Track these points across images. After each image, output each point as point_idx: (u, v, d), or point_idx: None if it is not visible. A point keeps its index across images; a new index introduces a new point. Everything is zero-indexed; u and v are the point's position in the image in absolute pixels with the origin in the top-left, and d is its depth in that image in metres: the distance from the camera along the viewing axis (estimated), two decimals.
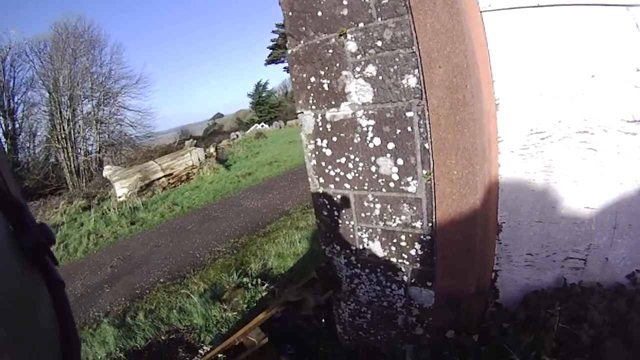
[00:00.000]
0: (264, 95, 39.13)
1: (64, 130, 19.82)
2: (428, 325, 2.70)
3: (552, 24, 2.14)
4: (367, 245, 2.77)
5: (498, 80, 2.33)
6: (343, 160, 2.65)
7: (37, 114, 20.68)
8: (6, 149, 19.05)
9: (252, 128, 27.34)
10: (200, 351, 4.13)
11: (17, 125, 20.26)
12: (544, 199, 2.40)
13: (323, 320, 3.61)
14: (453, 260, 2.39)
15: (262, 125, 28.26)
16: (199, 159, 15.10)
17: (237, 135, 25.12)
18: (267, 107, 37.94)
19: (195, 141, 20.06)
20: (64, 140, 19.74)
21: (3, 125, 19.73)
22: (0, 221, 0.39)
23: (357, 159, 2.58)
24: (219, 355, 3.05)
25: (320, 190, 2.87)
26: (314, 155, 2.81)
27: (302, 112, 2.78)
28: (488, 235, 2.49)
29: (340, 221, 2.85)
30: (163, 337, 4.65)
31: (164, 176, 13.79)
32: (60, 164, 19.82)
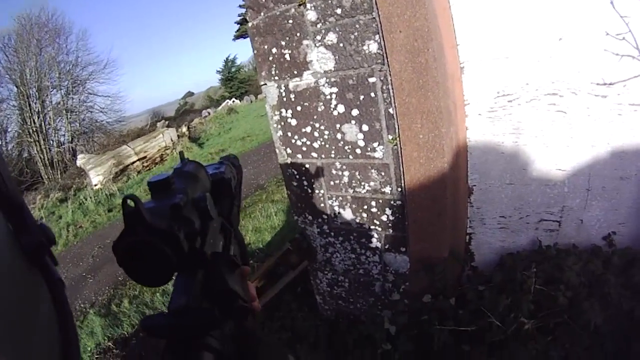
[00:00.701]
0: (233, 70, 38.83)
1: (34, 123, 19.38)
2: (405, 290, 2.73)
3: None
4: (339, 213, 2.78)
5: (463, 43, 2.33)
6: (309, 129, 2.64)
7: (6, 109, 20.19)
8: None
9: (223, 104, 26.94)
10: None
11: None
12: (514, 161, 2.43)
13: (299, 289, 3.65)
14: (424, 225, 2.41)
15: (233, 101, 27.86)
16: (171, 140, 14.96)
17: (209, 113, 24.74)
18: (236, 82, 37.68)
19: (167, 122, 19.87)
20: (35, 133, 19.31)
21: None
22: (0, 221, 0.38)
23: (322, 127, 2.57)
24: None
25: (288, 161, 2.87)
26: (279, 126, 2.79)
27: (266, 84, 2.75)
28: (459, 198, 2.51)
29: (310, 191, 2.86)
30: None
31: (138, 160, 13.65)
32: (34, 157, 19.42)
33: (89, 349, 4.51)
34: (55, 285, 0.44)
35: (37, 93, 19.96)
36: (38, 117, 19.65)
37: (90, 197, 11.07)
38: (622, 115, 2.13)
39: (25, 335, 0.36)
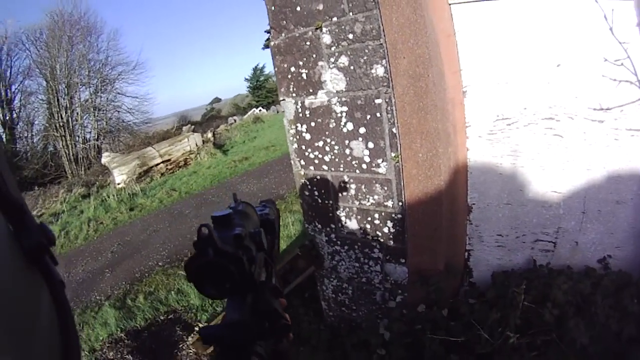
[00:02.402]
0: (261, 79, 38.31)
1: (61, 118, 19.55)
2: (403, 300, 2.88)
3: (519, 14, 2.26)
4: (345, 223, 2.94)
5: (465, 69, 2.46)
6: (321, 143, 2.83)
7: (34, 102, 20.36)
8: (4, 139, 18.99)
9: (249, 112, 27.09)
10: (196, 329, 4.30)
11: (14, 115, 20.08)
12: (511, 182, 2.54)
13: (307, 295, 3.80)
14: (422, 238, 2.56)
15: (260, 110, 27.97)
16: (196, 145, 15.05)
17: (235, 120, 24.90)
18: (264, 91, 37.13)
19: (192, 127, 19.94)
20: (62, 128, 19.48)
21: (1, 115, 19.56)
22: (0, 221, 0.38)
23: (333, 143, 2.76)
24: None
25: (302, 172, 3.05)
26: (295, 140, 2.98)
27: (284, 100, 2.95)
28: (458, 216, 2.64)
29: (320, 200, 3.03)
30: (162, 317, 4.82)
31: (162, 162, 13.77)
32: (59, 152, 19.59)
33: (101, 338, 4.67)
34: (55, 285, 0.44)
35: (65, 89, 20.12)
36: (65, 113, 19.78)
37: (113, 195, 11.25)
38: (618, 140, 2.21)
39: (26, 336, 0.36)
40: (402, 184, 2.51)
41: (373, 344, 2.72)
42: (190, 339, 4.16)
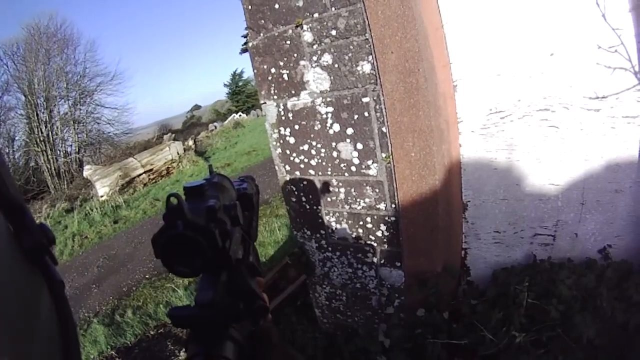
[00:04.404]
0: (240, 84, 38.43)
1: (41, 132, 19.41)
2: (400, 304, 2.78)
3: (509, 2, 2.18)
4: (336, 228, 2.84)
5: (455, 62, 2.39)
6: (306, 147, 2.71)
7: (14, 118, 20.22)
8: None
9: (229, 118, 27.00)
10: None
11: None
12: (507, 177, 2.47)
13: (299, 302, 3.70)
14: (418, 240, 2.46)
15: (240, 115, 27.89)
16: (178, 153, 15.02)
17: (215, 127, 24.86)
18: (243, 96, 37.31)
19: (174, 135, 19.92)
20: (42, 142, 19.34)
21: None
22: (0, 221, 0.38)
23: (319, 145, 2.64)
24: None
25: (287, 178, 2.93)
26: (278, 144, 2.86)
27: (265, 103, 2.83)
28: (453, 215, 2.56)
29: (308, 206, 2.92)
30: (152, 332, 4.72)
31: (144, 172, 13.71)
32: (41, 167, 19.43)
33: (92, 357, 4.55)
34: (55, 285, 0.44)
35: (44, 103, 20.01)
36: (45, 127, 19.69)
37: (96, 208, 11.13)
38: (615, 128, 2.15)
39: (26, 336, 0.36)
40: (395, 185, 2.41)
41: (372, 351, 2.63)
42: (182, 353, 4.05)
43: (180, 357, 4.04)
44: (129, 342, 4.65)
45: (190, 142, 17.34)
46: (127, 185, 13.07)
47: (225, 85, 39.55)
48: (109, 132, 22.83)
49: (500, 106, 2.37)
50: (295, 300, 3.84)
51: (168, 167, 14.41)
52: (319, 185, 2.78)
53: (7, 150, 20.16)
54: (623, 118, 2.12)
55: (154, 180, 13.77)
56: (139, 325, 4.87)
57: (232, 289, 0.64)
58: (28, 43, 20.27)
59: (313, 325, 3.58)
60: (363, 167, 2.50)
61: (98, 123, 22.58)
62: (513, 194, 2.50)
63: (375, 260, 2.75)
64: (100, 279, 6.93)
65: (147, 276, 6.42)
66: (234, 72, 38.66)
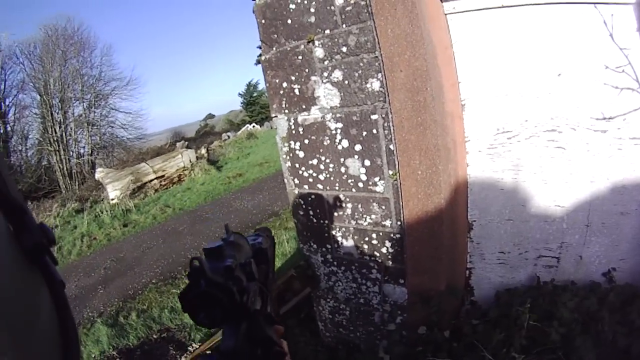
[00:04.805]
0: (254, 95, 38.43)
1: (55, 132, 19.56)
2: (402, 321, 2.77)
3: (517, 23, 2.20)
4: (342, 243, 2.85)
5: (464, 81, 2.40)
6: (315, 161, 2.74)
7: (28, 116, 20.41)
8: None
9: (243, 129, 27.06)
10: (190, 348, 4.21)
11: (8, 129, 20.05)
12: (513, 197, 2.46)
13: (302, 315, 3.71)
14: (422, 258, 2.47)
15: (253, 126, 27.92)
16: (190, 161, 14.96)
17: (229, 136, 24.87)
18: (258, 107, 37.19)
19: (186, 142, 19.88)
20: (55, 143, 19.47)
21: None
22: (0, 221, 0.38)
23: (327, 160, 2.67)
24: None
25: (296, 191, 2.96)
26: (288, 157, 2.89)
27: (277, 116, 2.86)
28: (458, 234, 2.56)
29: (315, 220, 2.93)
30: (155, 336, 4.71)
31: (156, 178, 13.67)
32: (53, 166, 19.55)
33: (93, 356, 4.57)
34: (55, 285, 0.44)
35: (59, 103, 20.17)
36: (59, 127, 19.82)
37: (107, 211, 11.14)
38: (622, 150, 2.14)
39: (26, 336, 0.36)
40: (401, 202, 2.42)
41: None
42: (182, 358, 4.05)
43: None
44: (131, 344, 4.65)
45: (203, 151, 17.27)
46: (138, 190, 13.06)
47: (239, 95, 39.62)
48: (122, 136, 22.98)
49: (507, 126, 2.37)
50: (299, 312, 3.84)
51: (180, 175, 14.35)
52: (326, 199, 2.79)
53: (20, 148, 20.36)
54: (630, 139, 2.11)
55: (165, 187, 13.73)
56: (142, 328, 4.87)
57: (251, 337, 0.71)
58: (45, 44, 20.46)
59: (315, 338, 3.59)
60: (370, 183, 2.52)
61: (112, 127, 22.73)
62: (519, 214, 2.49)
63: (379, 276, 2.75)
64: (106, 280, 6.91)
65: (153, 281, 6.39)
66: (249, 83, 38.76)
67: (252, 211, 9.10)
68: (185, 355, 4.11)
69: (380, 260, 2.70)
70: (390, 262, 2.65)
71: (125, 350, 4.57)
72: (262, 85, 37.25)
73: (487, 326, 2.39)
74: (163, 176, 13.92)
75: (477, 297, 2.77)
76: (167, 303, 5.40)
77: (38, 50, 20.42)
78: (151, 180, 13.55)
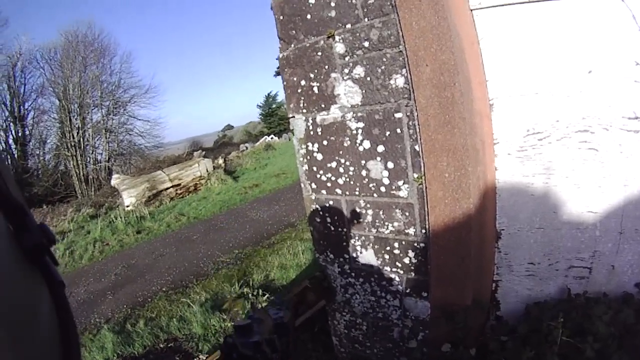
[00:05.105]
0: (273, 107, 38.69)
1: (73, 138, 19.87)
2: (424, 338, 2.58)
3: (545, 19, 2.06)
4: (361, 253, 2.67)
5: (491, 80, 2.24)
6: (334, 164, 2.58)
7: (47, 121, 20.82)
8: (16, 156, 19.40)
9: (261, 140, 27.17)
10: None
11: (27, 132, 20.45)
12: (544, 203, 2.29)
13: (316, 329, 3.55)
14: (447, 269, 2.29)
15: (272, 137, 28.06)
16: (207, 170, 15.00)
17: (247, 147, 24.99)
18: (276, 118, 37.35)
19: (204, 152, 20.05)
20: (73, 148, 19.79)
21: (13, 131, 19.88)
22: (0, 221, 0.38)
23: (347, 163, 2.51)
24: None
25: (313, 197, 2.80)
26: (305, 160, 2.74)
27: (294, 117, 2.72)
28: (485, 243, 2.38)
29: (332, 228, 2.77)
30: (161, 345, 4.62)
31: (172, 186, 13.73)
32: (70, 171, 19.84)
33: None
34: (55, 285, 0.44)
35: (78, 109, 20.55)
36: (77, 133, 20.16)
37: (121, 217, 11.19)
38: None
39: (26, 335, 0.36)
40: (426, 208, 2.24)
41: None
42: None
43: None
44: (136, 353, 4.56)
45: (220, 161, 17.35)
46: (153, 197, 13.12)
47: (258, 106, 39.97)
48: (140, 144, 23.24)
49: (538, 127, 2.20)
50: (312, 326, 3.69)
51: (196, 184, 14.40)
52: (345, 205, 2.63)
53: (38, 152, 20.79)
54: None
55: (181, 195, 13.78)
56: (149, 337, 4.78)
57: None
58: (65, 49, 20.96)
59: (329, 354, 3.43)
60: (393, 187, 2.35)
61: (130, 134, 23.05)
62: (550, 222, 2.30)
63: (400, 288, 2.57)
64: (116, 286, 6.89)
65: (164, 289, 6.33)
66: (268, 94, 39.15)
67: (268, 222, 9.05)
68: None
69: (402, 272, 2.52)
70: (413, 274, 2.47)
71: (130, 358, 4.49)
72: (280, 97, 37.78)
73: (516, 343, 2.19)
74: (179, 185, 14.02)
75: (504, 312, 2.56)
76: (176, 312, 5.30)
77: (58, 56, 21.01)
78: (167, 189, 13.65)
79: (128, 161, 21.63)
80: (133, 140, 23.09)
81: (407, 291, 2.54)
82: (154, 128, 23.94)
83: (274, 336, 0.92)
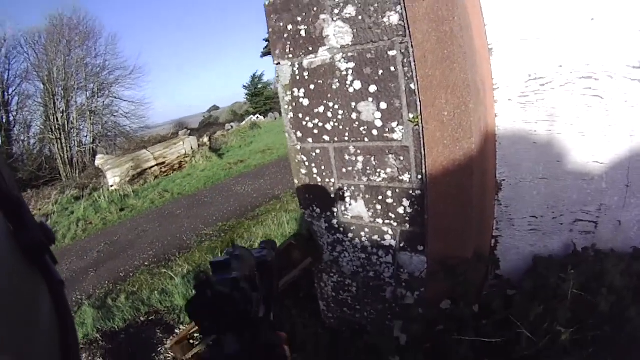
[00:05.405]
0: (259, 87, 38.04)
1: (57, 121, 19.60)
2: (420, 297, 2.45)
3: None
4: (350, 205, 2.52)
5: (490, 24, 2.12)
6: (321, 109, 2.42)
7: (32, 105, 20.55)
8: (0, 142, 19.18)
9: (247, 119, 26.95)
10: (177, 331, 3.97)
11: (11, 118, 20.13)
12: (547, 152, 2.17)
13: (302, 294, 3.42)
14: (447, 218, 2.14)
15: (257, 117, 27.87)
16: (191, 148, 14.85)
17: (232, 127, 24.78)
18: (262, 98, 36.90)
19: (189, 132, 19.89)
20: (57, 131, 19.53)
21: None
22: (0, 221, 0.38)
23: (336, 107, 2.35)
24: None
25: (298, 146, 2.64)
26: (290, 108, 2.57)
27: (279, 63, 2.55)
28: (486, 195, 2.24)
29: (319, 179, 2.61)
30: (142, 319, 4.50)
31: (157, 165, 13.58)
32: (54, 155, 19.65)
33: None
34: (55, 285, 0.44)
35: (62, 92, 20.24)
36: (62, 116, 19.92)
37: (104, 197, 11.06)
38: None
39: (25, 335, 0.36)
40: (423, 151, 2.08)
41: (384, 350, 2.26)
42: (169, 341, 3.77)
43: (166, 345, 3.79)
44: (116, 327, 4.43)
45: (205, 139, 17.16)
46: (138, 176, 12.96)
47: (244, 87, 39.63)
48: (124, 125, 23.04)
49: (540, 72, 2.08)
50: (297, 291, 3.57)
51: (181, 162, 14.27)
52: (333, 154, 2.47)
53: (23, 137, 20.53)
54: None
55: (165, 174, 13.64)
56: (129, 311, 4.65)
57: (255, 343, 0.76)
58: (50, 33, 20.58)
59: (316, 319, 3.30)
60: (386, 130, 2.19)
61: (115, 116, 22.81)
62: (553, 172, 2.18)
63: (393, 243, 2.42)
64: (98, 263, 6.76)
65: (146, 263, 6.22)
66: (254, 74, 38.70)
67: (253, 195, 9.01)
68: (171, 338, 3.84)
69: (395, 224, 2.36)
70: (408, 225, 2.32)
71: (109, 333, 4.35)
72: (267, 77, 37.56)
73: (523, 299, 2.04)
74: (164, 163, 13.90)
75: (504, 271, 2.42)
76: (158, 285, 5.17)
77: (43, 40, 20.60)
78: (151, 167, 13.51)
79: (113, 143, 21.38)
80: (118, 121, 22.90)
81: (402, 245, 2.39)
82: (139, 109, 23.70)
83: (255, 273, 0.84)
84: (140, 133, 22.88)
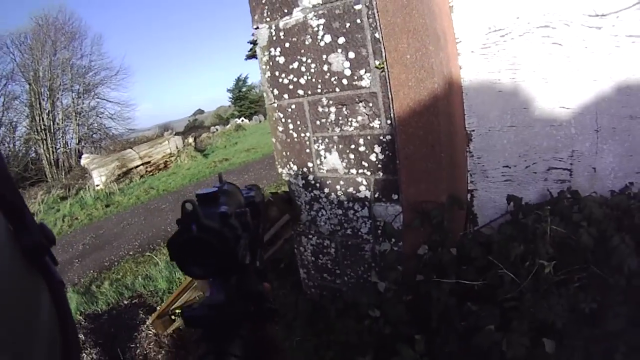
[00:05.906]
0: (243, 90, 38.37)
1: (43, 121, 19.55)
2: (398, 251, 2.46)
3: None
4: (325, 158, 2.59)
5: None
6: (296, 64, 2.51)
7: (17, 106, 20.44)
8: None
9: (232, 122, 26.95)
10: (158, 307, 3.95)
11: None
12: (513, 100, 2.25)
13: (282, 265, 3.46)
14: (417, 161, 2.19)
15: (242, 120, 27.92)
16: (177, 147, 14.85)
17: (217, 129, 24.82)
18: (247, 102, 37.23)
19: (174, 132, 19.87)
20: (43, 132, 19.46)
21: None
22: (0, 221, 0.38)
23: (309, 61, 2.44)
24: None
25: (275, 104, 2.72)
26: (268, 67, 2.66)
27: (258, 27, 2.66)
28: (456, 147, 2.31)
29: (295, 135, 2.68)
30: (125, 302, 4.50)
31: (142, 164, 13.57)
32: (40, 156, 19.56)
33: None
34: (55, 286, 0.44)
35: (48, 92, 20.21)
36: (47, 117, 19.87)
37: (90, 194, 11.06)
38: (620, 47, 1.98)
39: (25, 335, 0.36)
40: (390, 95, 2.16)
41: (363, 305, 2.29)
42: (149, 318, 3.79)
43: (147, 323, 3.79)
44: (99, 310, 4.45)
45: (191, 140, 17.13)
46: (123, 175, 12.93)
47: (228, 90, 39.62)
48: (109, 127, 23.01)
49: (499, 24, 2.19)
50: (277, 262, 3.61)
51: (166, 161, 14.27)
52: (307, 107, 2.55)
53: (8, 139, 20.35)
54: (627, 37, 1.97)
55: (151, 173, 13.64)
56: (113, 295, 4.67)
57: (241, 291, 0.68)
58: (36, 33, 20.56)
59: (297, 290, 3.33)
60: (355, 78, 2.27)
61: (100, 117, 22.74)
62: (521, 119, 2.25)
63: (368, 194, 2.48)
64: (84, 254, 6.78)
65: (131, 252, 6.25)
66: (238, 78, 38.72)
67: None
68: (151, 315, 3.85)
69: (369, 173, 2.42)
70: (381, 173, 2.38)
71: (92, 315, 4.35)
72: (251, 80, 37.63)
73: (503, 242, 2.05)
74: (149, 162, 13.88)
75: (482, 225, 2.47)
76: (142, 272, 5.18)
77: (28, 40, 20.54)
78: (137, 166, 13.49)
79: (98, 144, 21.26)
80: (104, 122, 22.88)
81: (376, 196, 2.45)
82: (125, 110, 23.81)
83: (246, 209, 0.72)
84: (125, 136, 22.74)
